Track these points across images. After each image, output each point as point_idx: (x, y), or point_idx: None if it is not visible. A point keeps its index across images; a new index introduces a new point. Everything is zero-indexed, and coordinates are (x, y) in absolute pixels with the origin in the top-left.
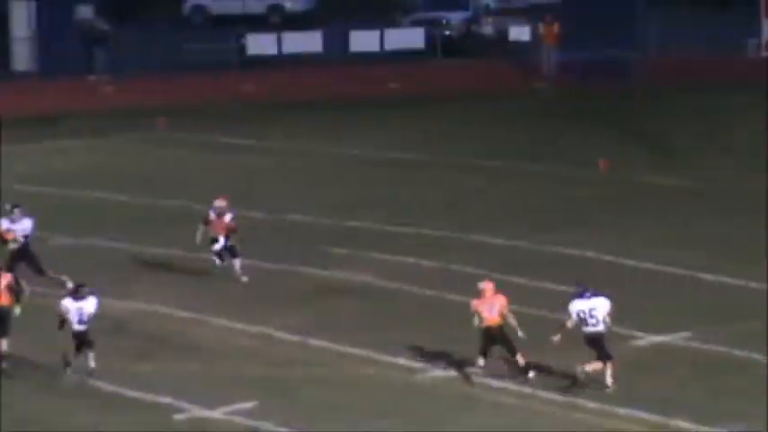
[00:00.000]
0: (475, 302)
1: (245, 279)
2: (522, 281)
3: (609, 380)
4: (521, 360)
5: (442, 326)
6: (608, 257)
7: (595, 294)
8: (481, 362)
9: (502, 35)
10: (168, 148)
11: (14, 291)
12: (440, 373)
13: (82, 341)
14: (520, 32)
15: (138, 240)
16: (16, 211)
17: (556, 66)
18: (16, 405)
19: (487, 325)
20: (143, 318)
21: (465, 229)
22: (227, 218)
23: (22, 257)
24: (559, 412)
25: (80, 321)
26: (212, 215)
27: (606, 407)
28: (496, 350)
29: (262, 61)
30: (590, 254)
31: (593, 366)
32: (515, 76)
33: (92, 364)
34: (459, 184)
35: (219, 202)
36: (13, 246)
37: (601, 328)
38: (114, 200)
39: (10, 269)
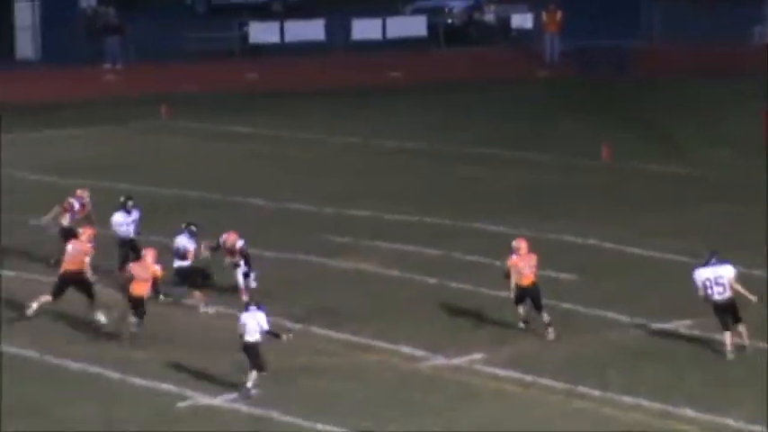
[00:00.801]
0: (513, 259)
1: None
2: None
3: (746, 341)
4: (546, 317)
5: (445, 314)
6: (609, 245)
7: (720, 262)
8: (522, 321)
9: (504, 23)
10: (170, 137)
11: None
12: (442, 361)
13: (248, 353)
14: (522, 20)
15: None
16: (130, 203)
17: (558, 54)
18: (20, 393)
19: (522, 283)
20: (146, 306)
21: (467, 217)
22: (239, 244)
23: (128, 247)
24: (561, 400)
25: (249, 333)
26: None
27: (608, 395)
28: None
29: (264, 49)
30: (592, 241)
31: (729, 341)
32: (517, 64)
33: (249, 383)
34: (461, 172)
35: (228, 237)
36: (122, 235)
37: (728, 294)
38: (116, 188)
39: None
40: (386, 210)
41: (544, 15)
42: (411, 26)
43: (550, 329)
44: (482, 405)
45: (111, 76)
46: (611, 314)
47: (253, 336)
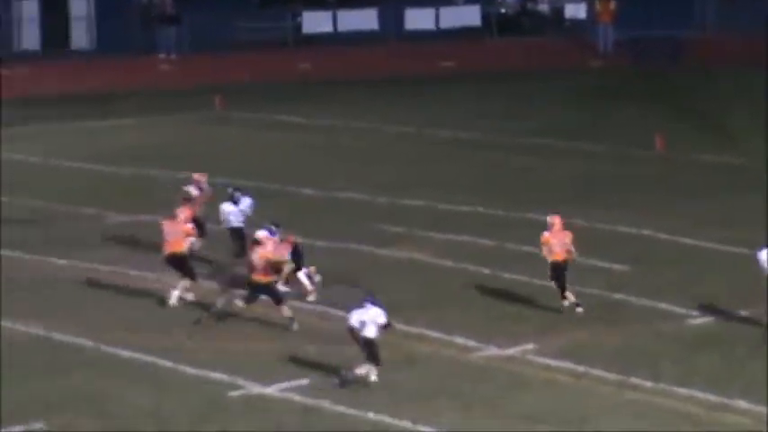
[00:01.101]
0: (546, 235)
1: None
2: (578, 259)
3: None
4: (571, 297)
5: (498, 304)
6: (663, 235)
7: None
8: (575, 305)
9: (558, 13)
10: (224, 127)
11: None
12: (494, 351)
13: (366, 350)
14: (576, 10)
15: None
16: (237, 193)
17: (612, 43)
18: (73, 382)
19: (555, 260)
20: (198, 294)
21: (521, 207)
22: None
23: (238, 237)
24: (613, 391)
25: (364, 330)
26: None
27: (662, 386)
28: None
29: (317, 39)
30: (646, 232)
31: None
32: (571, 53)
33: (373, 377)
34: (514, 162)
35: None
36: (232, 225)
37: None
38: (170, 178)
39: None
40: (440, 199)
41: (597, 5)
42: (464, 16)
43: (579, 308)
44: (533, 395)
45: (165, 66)
46: (664, 305)
47: (371, 332)
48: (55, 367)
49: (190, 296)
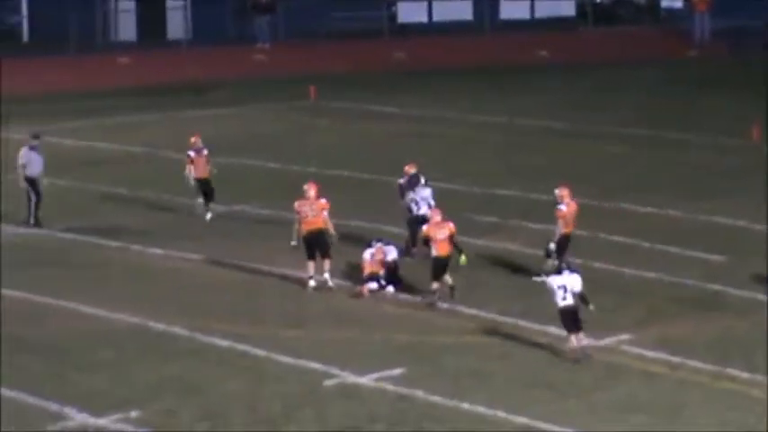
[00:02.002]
0: (563, 210)
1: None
2: (673, 249)
3: None
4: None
5: (592, 294)
6: (759, 226)
7: None
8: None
9: (654, 2)
10: (318, 117)
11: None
12: (590, 341)
13: (568, 318)
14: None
15: (287, 207)
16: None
17: (708, 33)
18: (169, 370)
19: (567, 232)
20: (291, 285)
21: (614, 197)
22: (391, 257)
23: (423, 222)
24: (709, 382)
25: (564, 297)
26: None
27: (758, 377)
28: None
29: (412, 29)
30: (742, 223)
31: None
32: (667, 43)
33: (584, 342)
34: (607, 151)
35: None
36: (419, 212)
37: None
38: (264, 167)
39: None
40: (532, 189)
41: None
42: (559, 6)
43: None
44: (628, 385)
45: (260, 55)
46: (761, 296)
47: (569, 300)
48: (151, 356)
49: (311, 282)
